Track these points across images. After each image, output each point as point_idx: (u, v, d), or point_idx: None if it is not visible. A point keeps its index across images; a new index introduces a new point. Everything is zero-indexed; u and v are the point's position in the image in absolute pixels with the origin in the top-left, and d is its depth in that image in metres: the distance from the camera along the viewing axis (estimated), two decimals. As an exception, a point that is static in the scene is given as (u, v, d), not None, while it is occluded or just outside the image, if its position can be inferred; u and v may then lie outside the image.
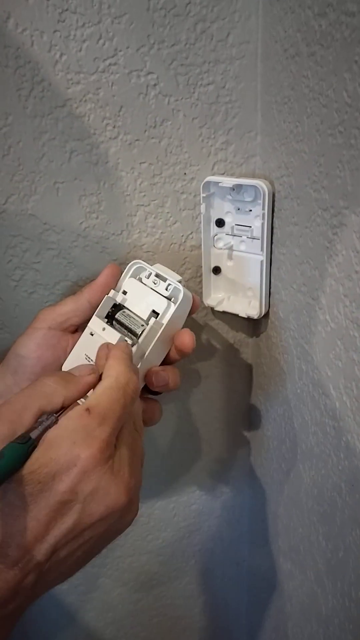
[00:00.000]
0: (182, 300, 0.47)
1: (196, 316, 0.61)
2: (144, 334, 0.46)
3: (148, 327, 0.46)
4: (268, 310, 0.57)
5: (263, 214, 0.51)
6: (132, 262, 0.50)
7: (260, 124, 0.51)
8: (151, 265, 0.49)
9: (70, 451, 0.35)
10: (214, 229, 0.55)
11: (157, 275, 0.49)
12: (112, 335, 0.46)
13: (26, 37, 0.43)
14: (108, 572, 0.77)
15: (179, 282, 0.48)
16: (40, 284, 0.53)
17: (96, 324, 0.48)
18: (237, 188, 0.51)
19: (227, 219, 0.54)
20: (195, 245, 0.56)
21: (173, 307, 0.47)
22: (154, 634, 0.87)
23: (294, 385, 0.54)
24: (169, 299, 0.48)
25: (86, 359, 0.47)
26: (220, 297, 0.58)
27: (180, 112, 0.49)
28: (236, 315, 0.57)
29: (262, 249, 0.53)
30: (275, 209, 0.51)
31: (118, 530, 0.39)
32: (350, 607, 0.49)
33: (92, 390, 0.41)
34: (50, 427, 0.36)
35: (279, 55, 0.45)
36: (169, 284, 0.48)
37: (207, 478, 0.75)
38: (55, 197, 0.50)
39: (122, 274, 0.50)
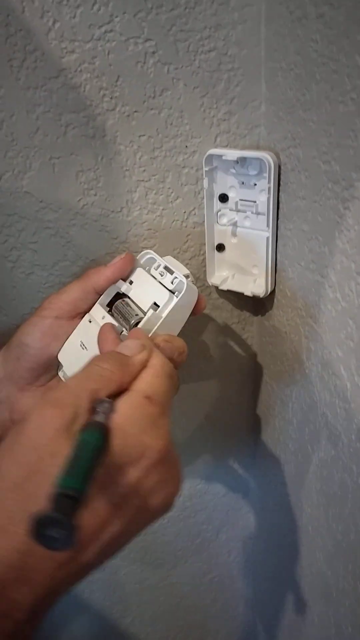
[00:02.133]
0: (184, 293, 0.45)
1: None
2: (141, 324, 0.45)
3: (145, 318, 0.45)
4: (274, 288, 0.55)
5: (268, 188, 0.48)
6: (143, 252, 0.48)
7: (265, 93, 0.49)
8: (162, 257, 0.48)
9: (139, 441, 0.33)
10: (217, 204, 0.53)
11: (165, 268, 0.47)
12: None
13: (16, 3, 0.41)
14: (114, 553, 0.77)
15: (186, 276, 0.46)
16: (38, 264, 0.51)
17: (97, 312, 0.47)
18: (241, 161, 0.49)
19: (230, 194, 0.52)
20: (198, 222, 0.54)
21: (174, 301, 0.45)
22: (160, 613, 0.87)
23: (302, 366, 0.53)
24: (172, 292, 0.46)
25: (81, 346, 0.46)
26: (225, 275, 0.56)
27: (180, 81, 0.47)
28: (241, 294, 0.56)
29: (267, 225, 0.51)
30: (282, 183, 0.49)
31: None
32: (361, 590, 0.48)
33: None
34: (110, 413, 0.34)
35: (285, 18, 0.43)
36: (175, 277, 0.46)
37: (213, 457, 0.75)
38: (51, 173, 0.48)
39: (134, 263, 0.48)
